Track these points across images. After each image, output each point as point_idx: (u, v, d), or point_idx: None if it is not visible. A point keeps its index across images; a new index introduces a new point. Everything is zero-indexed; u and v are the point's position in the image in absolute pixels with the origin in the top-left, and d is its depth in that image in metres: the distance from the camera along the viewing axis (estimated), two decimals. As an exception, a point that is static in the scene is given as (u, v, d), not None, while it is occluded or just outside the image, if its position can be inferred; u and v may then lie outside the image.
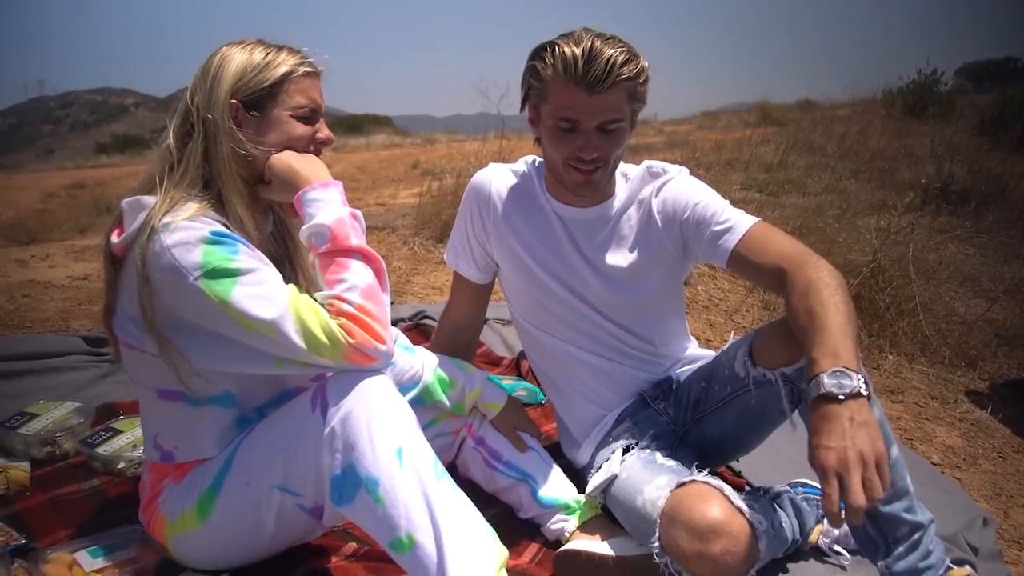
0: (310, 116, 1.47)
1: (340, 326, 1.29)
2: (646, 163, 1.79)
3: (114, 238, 1.36)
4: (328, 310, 1.31)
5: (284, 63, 1.42)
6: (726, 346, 1.74)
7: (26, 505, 1.74)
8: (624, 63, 1.52)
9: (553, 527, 1.71)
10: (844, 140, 8.82)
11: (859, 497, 1.17)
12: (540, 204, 1.79)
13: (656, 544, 1.45)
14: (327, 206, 1.38)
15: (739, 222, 1.62)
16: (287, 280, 1.37)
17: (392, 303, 3.36)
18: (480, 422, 1.85)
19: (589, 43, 1.52)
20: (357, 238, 1.38)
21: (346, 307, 1.30)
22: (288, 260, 1.61)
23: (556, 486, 1.75)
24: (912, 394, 3.15)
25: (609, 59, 1.51)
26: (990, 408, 3.07)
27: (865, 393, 1.25)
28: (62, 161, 25.60)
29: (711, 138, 10.87)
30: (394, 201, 7.62)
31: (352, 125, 27.85)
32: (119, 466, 1.88)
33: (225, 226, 1.34)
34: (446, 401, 1.78)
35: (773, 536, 1.51)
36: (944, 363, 3.50)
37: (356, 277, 1.33)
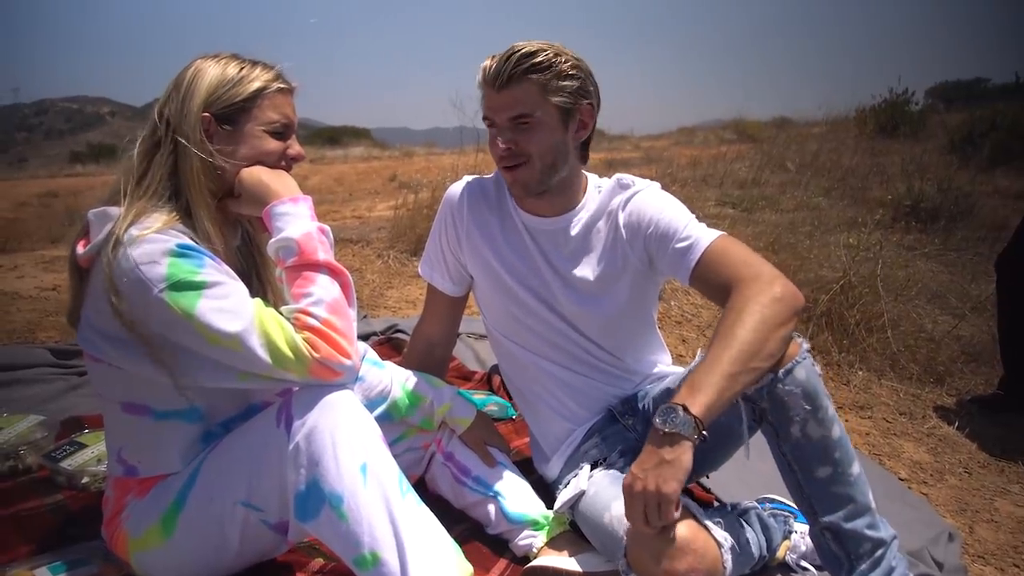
0: (282, 132, 1.47)
1: (305, 340, 1.29)
2: (617, 176, 1.80)
3: (80, 249, 1.35)
4: (294, 324, 1.30)
5: (258, 78, 1.42)
6: (694, 362, 1.75)
7: (-14, 521, 1.71)
8: (530, 55, 1.56)
9: (521, 543, 1.70)
10: (817, 158, 8.96)
11: (635, 522, 1.33)
12: (509, 215, 1.80)
13: (623, 561, 1.45)
14: (295, 220, 1.38)
15: (700, 238, 1.60)
16: (254, 294, 1.37)
17: (365, 316, 3.37)
18: (449, 437, 1.84)
19: (510, 49, 1.59)
20: (324, 252, 1.38)
21: (311, 321, 1.30)
22: (256, 274, 1.60)
23: (524, 502, 1.75)
24: (881, 410, 3.18)
25: (510, 57, 1.57)
26: (957, 424, 3.11)
27: (687, 435, 1.29)
28: (36, 169, 25.29)
29: (687, 154, 10.98)
30: (370, 214, 7.61)
31: (330, 137, 27.77)
32: (83, 480, 1.86)
33: (192, 239, 1.33)
34: (415, 416, 1.77)
35: (739, 553, 1.52)
36: (913, 379, 3.55)
37: (322, 291, 1.33)
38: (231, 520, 1.36)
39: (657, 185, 1.78)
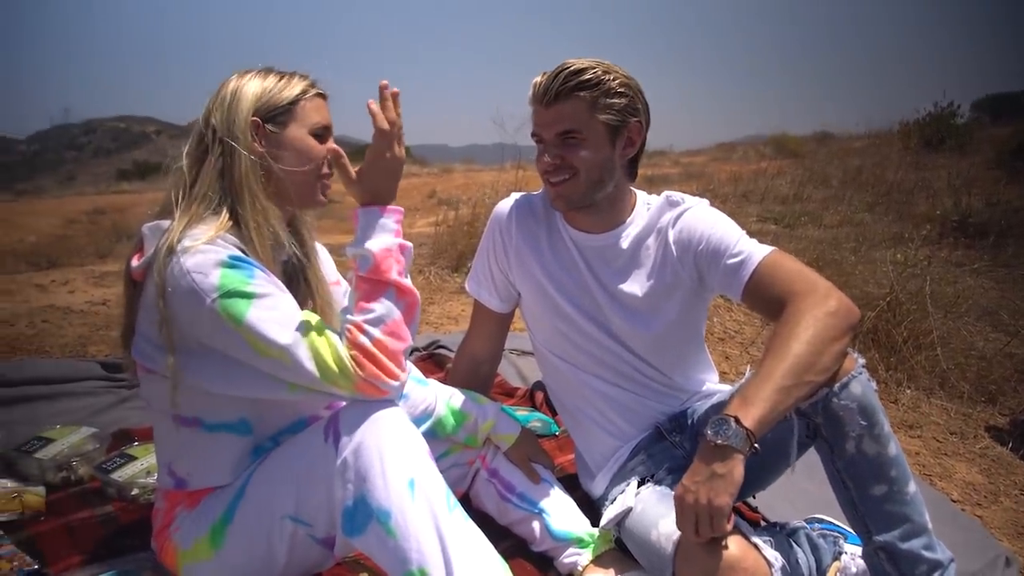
0: (323, 134, 1.49)
1: (352, 358, 1.30)
2: (666, 193, 1.79)
3: (134, 262, 1.37)
4: (347, 336, 1.32)
5: (298, 84, 1.46)
6: (742, 379, 1.73)
7: (39, 530, 1.74)
8: (578, 72, 1.57)
9: (566, 560, 1.69)
10: (860, 173, 8.83)
11: (686, 534, 1.35)
12: (558, 231, 1.80)
13: None
14: (380, 233, 1.41)
15: (752, 253, 1.58)
16: (302, 298, 1.43)
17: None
18: (494, 454, 1.84)
19: (560, 66, 1.59)
20: (397, 272, 1.40)
21: (362, 339, 1.31)
22: (303, 277, 1.61)
23: (569, 519, 1.74)
24: (931, 429, 3.11)
25: (559, 74, 1.58)
26: (1011, 444, 3.02)
27: (739, 448, 1.29)
28: (84, 187, 25.95)
29: (727, 169, 10.90)
30: (411, 230, 7.66)
31: (369, 154, 27.89)
32: (133, 492, 1.89)
33: (241, 250, 1.35)
34: (459, 433, 1.78)
35: (789, 573, 1.49)
36: (963, 398, 3.46)
37: (383, 310, 1.35)
38: (279, 534, 1.37)
39: (706, 202, 1.77)
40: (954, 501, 2.49)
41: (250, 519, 1.38)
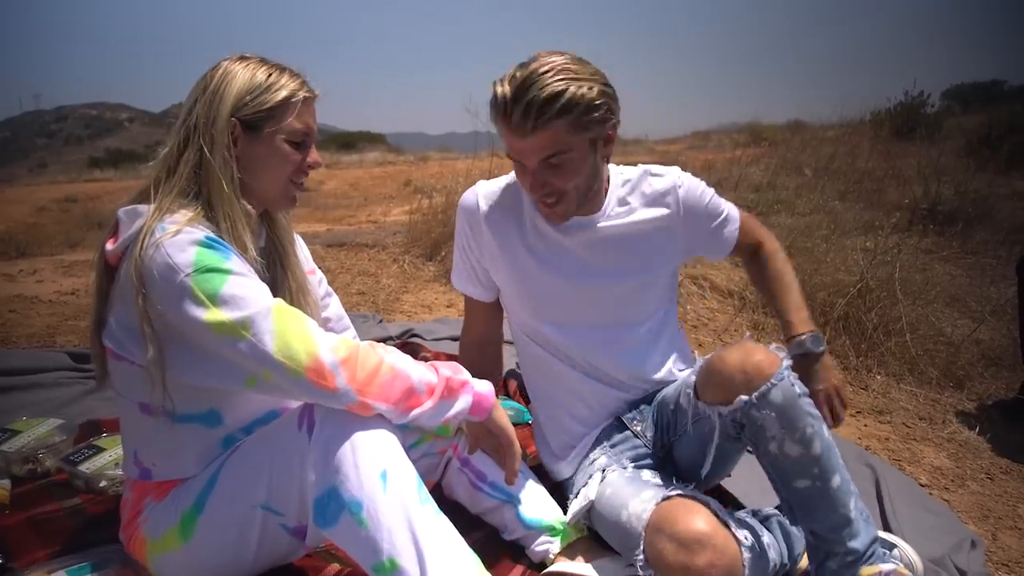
0: (303, 141, 1.48)
1: (335, 348, 1.29)
2: (643, 168, 1.81)
3: (109, 246, 1.36)
4: (355, 343, 1.33)
5: (285, 86, 1.43)
6: (694, 367, 1.74)
7: (4, 524, 1.72)
8: (549, 101, 1.47)
9: (538, 549, 1.69)
10: (833, 161, 8.89)
11: (839, 416, 1.74)
12: (528, 216, 1.78)
13: (640, 557, 1.44)
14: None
15: (730, 211, 1.87)
16: (277, 286, 1.47)
17: (381, 321, 3.38)
18: (465, 443, 1.84)
19: (520, 80, 1.49)
20: (459, 382, 1.44)
21: (371, 349, 1.36)
22: (279, 265, 1.61)
23: (541, 507, 1.74)
24: (900, 415, 3.15)
25: (531, 102, 1.47)
26: (978, 429, 3.07)
27: (825, 347, 1.76)
28: (55, 175, 25.56)
29: (702, 158, 10.93)
30: (385, 219, 7.63)
31: (345, 142, 27.81)
32: (101, 484, 1.87)
33: (218, 236, 1.34)
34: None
35: (759, 554, 1.50)
36: (932, 384, 3.51)
37: (411, 362, 1.39)
38: (250, 523, 1.37)
39: (677, 169, 1.84)
40: (922, 485, 2.52)
41: (222, 508, 1.37)
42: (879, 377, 3.49)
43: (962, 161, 8.38)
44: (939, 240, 5.67)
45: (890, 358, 3.63)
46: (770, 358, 1.48)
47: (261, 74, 1.42)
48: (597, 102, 1.52)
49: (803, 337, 1.74)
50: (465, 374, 1.44)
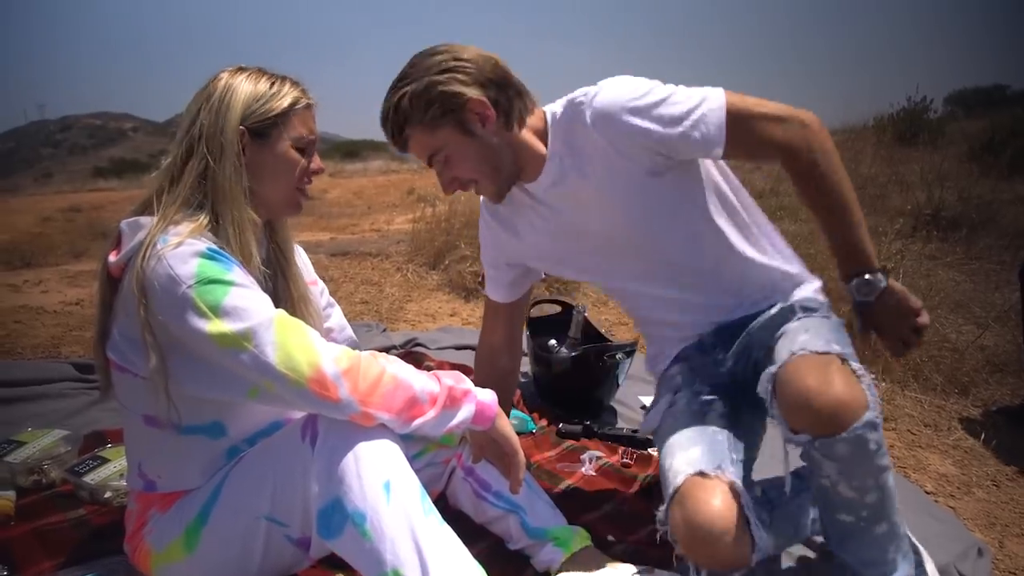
0: (307, 147, 1.49)
1: (337, 357, 1.29)
2: (568, 98, 1.64)
3: (112, 258, 1.36)
4: (358, 353, 1.33)
5: (288, 94, 1.45)
6: (799, 322, 1.56)
7: (9, 535, 1.72)
8: (387, 117, 1.55)
9: (543, 558, 1.69)
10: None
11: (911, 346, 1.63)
12: (519, 200, 1.76)
13: (662, 513, 1.43)
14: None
15: (707, 109, 1.50)
16: (279, 296, 1.48)
17: (385, 330, 3.38)
18: (469, 452, 1.84)
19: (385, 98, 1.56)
20: (461, 390, 1.43)
21: (373, 359, 1.34)
22: (281, 275, 1.61)
23: (546, 516, 1.74)
24: (905, 422, 3.14)
25: (385, 115, 1.55)
26: (983, 436, 3.06)
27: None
28: (60, 184, 25.67)
29: (706, 164, 10.93)
30: (389, 227, 7.64)
31: (349, 151, 27.90)
32: (105, 495, 1.87)
33: (221, 247, 1.34)
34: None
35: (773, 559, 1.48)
36: (936, 390, 3.50)
37: (413, 371, 1.38)
38: (254, 534, 1.37)
39: (610, 79, 1.59)
40: (928, 493, 2.51)
41: (226, 520, 1.37)
42: (884, 384, 3.47)
43: (965, 166, 8.36)
44: (943, 246, 5.65)
45: (894, 364, 3.62)
46: (848, 399, 1.25)
47: (264, 83, 1.44)
48: (427, 98, 1.51)
49: (851, 284, 1.56)
50: (468, 383, 1.44)
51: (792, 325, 1.54)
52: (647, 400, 2.75)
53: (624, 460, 2.25)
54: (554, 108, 1.65)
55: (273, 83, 1.45)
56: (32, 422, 2.26)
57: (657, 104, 1.50)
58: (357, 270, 4.38)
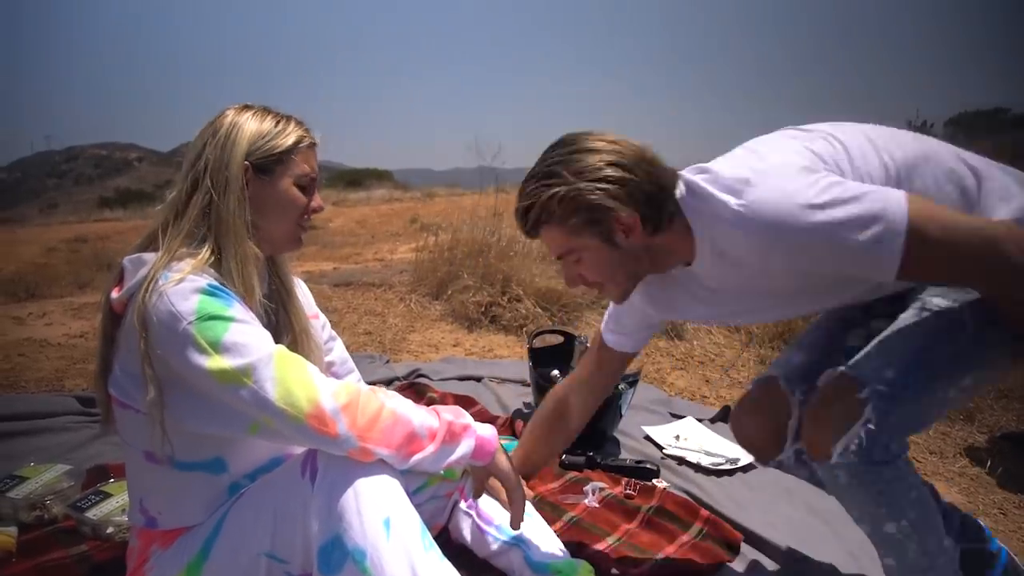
0: (308, 185, 1.51)
1: (336, 392, 1.30)
2: (684, 184, 1.45)
3: (114, 294, 1.37)
4: (357, 388, 1.33)
5: (293, 132, 1.48)
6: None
7: (11, 572, 1.72)
8: (523, 214, 1.46)
9: (546, 592, 1.68)
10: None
11: None
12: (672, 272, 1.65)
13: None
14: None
15: (884, 228, 1.21)
16: (281, 330, 1.48)
17: (388, 362, 3.38)
18: (472, 486, 1.83)
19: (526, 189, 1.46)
20: (460, 425, 1.44)
21: (372, 394, 1.34)
22: (283, 309, 1.62)
23: (548, 550, 1.73)
24: (910, 449, 3.12)
25: (526, 209, 1.45)
26: (989, 463, 3.04)
27: None
28: (66, 215, 25.83)
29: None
30: (392, 256, 7.67)
31: (352, 180, 28.08)
32: (108, 531, 1.86)
33: (221, 283, 1.35)
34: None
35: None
36: (942, 417, 3.48)
37: (411, 405, 1.39)
38: (255, 572, 1.36)
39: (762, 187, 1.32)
40: (934, 522, 2.50)
41: (227, 556, 1.37)
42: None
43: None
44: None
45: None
46: (810, 442, 1.40)
47: (269, 121, 1.47)
48: (575, 205, 1.41)
49: None
50: (467, 418, 1.44)
51: (902, 315, 1.45)
52: (650, 430, 2.75)
53: (627, 491, 2.24)
54: (680, 187, 1.46)
55: (278, 122, 1.48)
56: (35, 456, 2.26)
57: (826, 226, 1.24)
58: (360, 300, 4.39)
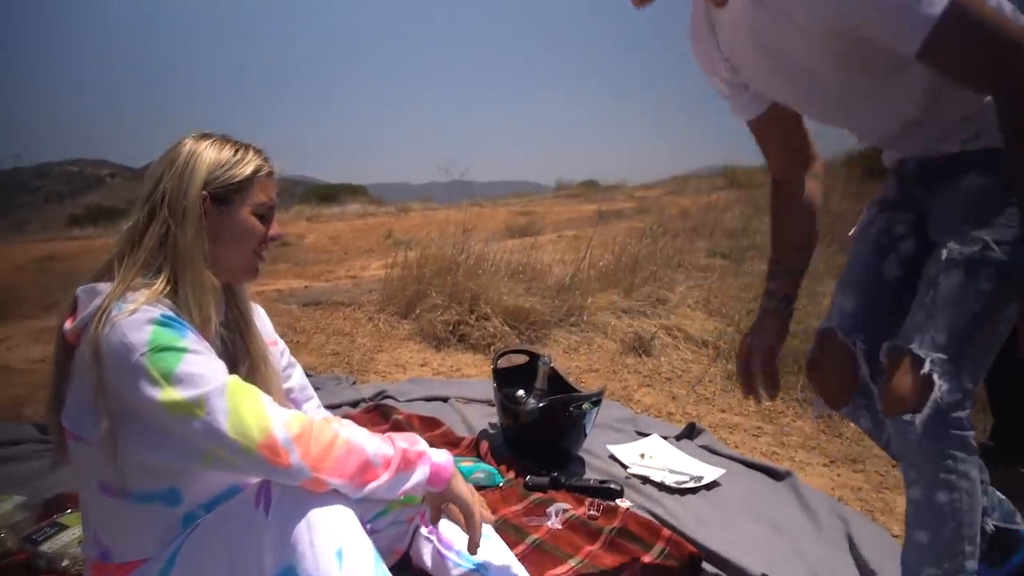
0: (266, 214, 1.52)
1: (288, 422, 1.30)
2: None
3: (67, 325, 1.36)
4: (310, 418, 1.33)
5: (252, 162, 1.48)
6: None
7: (-37, 609, 1.69)
8: None
9: (505, 617, 1.68)
10: (807, 204, 8.99)
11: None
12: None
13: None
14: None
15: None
16: (239, 357, 1.48)
17: (354, 383, 3.37)
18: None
19: None
20: (415, 453, 1.43)
21: (326, 424, 1.34)
22: (240, 346, 1.62)
23: (509, 574, 1.73)
24: (873, 462, 3.16)
25: None
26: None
27: None
28: (36, 232, 25.47)
29: (680, 203, 11.06)
30: (364, 273, 7.64)
31: (327, 195, 27.93)
32: (63, 564, 1.84)
33: (176, 313, 1.35)
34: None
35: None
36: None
37: (373, 445, 1.37)
38: None
39: None
40: (895, 536, 2.52)
41: (182, 589, 1.36)
42: (853, 424, 3.49)
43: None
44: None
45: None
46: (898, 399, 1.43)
47: (228, 150, 1.47)
48: None
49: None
50: (422, 444, 1.45)
51: (939, 281, 1.45)
52: (615, 449, 2.76)
53: (591, 512, 2.25)
54: None
55: (237, 151, 1.48)
56: (-8, 487, 2.23)
57: None
58: (329, 320, 4.38)
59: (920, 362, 1.38)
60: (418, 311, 4.27)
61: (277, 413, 1.31)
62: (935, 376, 1.37)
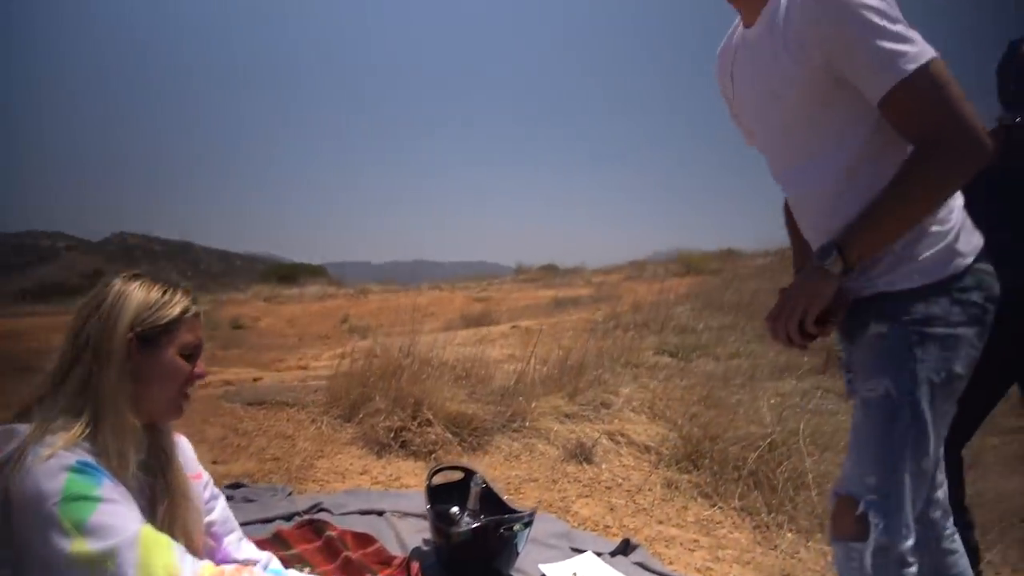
0: (193, 353, 1.55)
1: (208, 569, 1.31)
2: None
3: None
4: (220, 570, 1.36)
5: (180, 302, 1.53)
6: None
7: None
8: None
9: None
10: (757, 297, 9.22)
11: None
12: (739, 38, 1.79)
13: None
14: None
15: (908, 54, 1.39)
16: (160, 494, 1.50)
17: (291, 494, 3.32)
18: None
19: None
20: None
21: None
22: (161, 474, 1.62)
23: None
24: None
25: None
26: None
27: (827, 268, 1.52)
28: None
29: (636, 289, 11.23)
30: (316, 363, 7.60)
31: (286, 275, 27.83)
32: None
33: (94, 457, 1.36)
34: None
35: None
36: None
37: None
38: None
39: None
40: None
41: None
42: (789, 535, 3.53)
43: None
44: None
45: (800, 513, 3.69)
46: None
47: (156, 291, 1.51)
48: None
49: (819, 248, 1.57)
50: None
51: (858, 425, 1.59)
52: (547, 568, 2.75)
53: (517, 641, 2.23)
54: None
55: (165, 292, 1.52)
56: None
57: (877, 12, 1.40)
58: (272, 422, 4.34)
59: (855, 503, 1.49)
60: (361, 415, 4.25)
61: (188, 565, 1.32)
62: (870, 516, 1.47)
